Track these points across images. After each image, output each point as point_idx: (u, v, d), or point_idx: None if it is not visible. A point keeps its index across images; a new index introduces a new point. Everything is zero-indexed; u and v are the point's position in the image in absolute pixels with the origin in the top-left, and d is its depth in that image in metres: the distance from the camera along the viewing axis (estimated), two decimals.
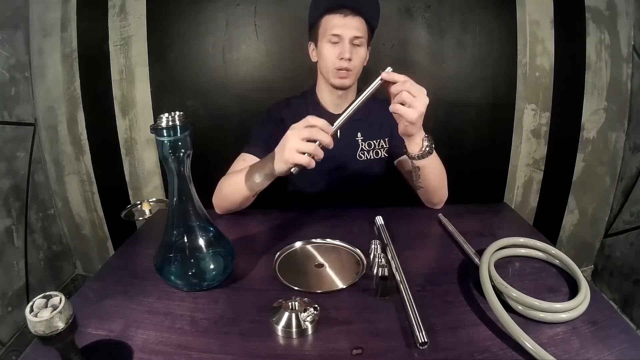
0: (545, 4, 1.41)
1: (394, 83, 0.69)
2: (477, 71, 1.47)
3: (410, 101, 0.69)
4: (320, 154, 0.65)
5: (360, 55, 0.90)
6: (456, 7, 1.41)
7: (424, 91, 0.70)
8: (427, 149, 0.78)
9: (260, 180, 0.77)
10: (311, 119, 0.65)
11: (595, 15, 1.41)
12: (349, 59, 0.87)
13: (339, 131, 0.98)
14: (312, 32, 0.95)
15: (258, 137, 0.96)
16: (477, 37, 1.43)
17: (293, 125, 0.67)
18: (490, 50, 1.45)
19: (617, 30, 1.43)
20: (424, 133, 0.78)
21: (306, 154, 0.64)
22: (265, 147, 0.91)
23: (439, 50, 1.45)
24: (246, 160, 0.92)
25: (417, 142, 0.78)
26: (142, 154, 1.59)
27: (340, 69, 0.89)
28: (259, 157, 0.90)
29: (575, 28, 1.43)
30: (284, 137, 0.68)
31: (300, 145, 0.64)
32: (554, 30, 1.43)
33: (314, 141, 0.64)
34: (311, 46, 0.96)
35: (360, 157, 0.99)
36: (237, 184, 0.81)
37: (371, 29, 0.92)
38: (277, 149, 0.70)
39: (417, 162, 0.81)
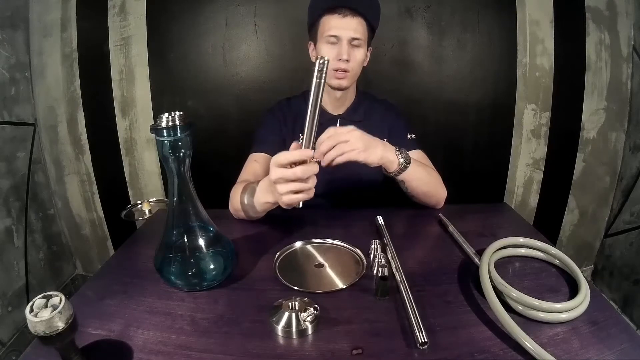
0: (545, 4, 1.41)
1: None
2: (477, 71, 1.47)
3: (346, 147, 0.68)
4: (313, 182, 0.61)
5: (359, 56, 0.89)
6: (456, 7, 1.41)
7: (348, 128, 0.70)
8: (403, 161, 0.77)
9: (263, 210, 0.76)
10: (282, 158, 0.60)
11: (595, 15, 1.41)
12: (347, 60, 0.87)
13: None
14: (311, 33, 0.95)
15: (265, 135, 0.96)
16: (477, 37, 1.43)
17: (273, 169, 0.61)
18: (490, 50, 1.45)
19: (617, 30, 1.43)
20: (394, 148, 0.77)
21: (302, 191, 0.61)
22: (273, 144, 0.91)
23: (439, 50, 1.45)
24: (258, 160, 0.92)
25: (391, 160, 0.76)
26: (142, 154, 1.59)
27: (337, 70, 0.88)
28: (269, 154, 0.90)
29: (575, 28, 1.43)
30: (272, 176, 0.62)
31: (292, 186, 0.60)
32: (554, 30, 1.43)
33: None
34: (311, 46, 0.96)
35: None
36: (246, 207, 0.78)
37: (371, 29, 0.91)
38: (263, 184, 0.70)
39: (399, 177, 0.80)
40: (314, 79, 0.58)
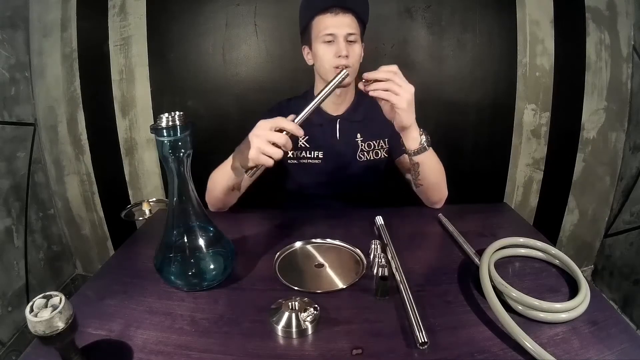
0: (545, 4, 1.41)
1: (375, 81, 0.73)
2: (477, 71, 1.47)
3: (396, 89, 0.72)
4: (280, 155, 0.67)
5: (356, 51, 0.90)
6: (456, 7, 1.41)
7: (407, 82, 0.74)
8: (425, 143, 0.80)
9: (239, 167, 0.78)
10: (280, 122, 0.67)
11: (595, 15, 1.41)
12: (346, 56, 0.87)
13: (338, 132, 0.99)
14: (304, 36, 0.95)
15: None
16: (477, 37, 1.43)
17: (262, 124, 0.69)
18: (490, 50, 1.45)
19: (617, 30, 1.43)
20: (419, 128, 0.80)
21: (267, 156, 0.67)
22: None
23: (439, 50, 1.45)
24: None
25: (414, 137, 0.79)
26: (142, 154, 1.59)
27: (338, 67, 0.89)
28: None
29: (575, 28, 1.43)
30: (255, 131, 0.69)
31: (265, 147, 0.66)
32: (554, 30, 1.43)
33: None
34: (305, 50, 0.96)
35: (360, 157, 0.99)
36: (223, 173, 0.82)
37: (362, 24, 0.92)
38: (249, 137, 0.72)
39: (416, 158, 0.82)
40: (333, 81, 0.72)
